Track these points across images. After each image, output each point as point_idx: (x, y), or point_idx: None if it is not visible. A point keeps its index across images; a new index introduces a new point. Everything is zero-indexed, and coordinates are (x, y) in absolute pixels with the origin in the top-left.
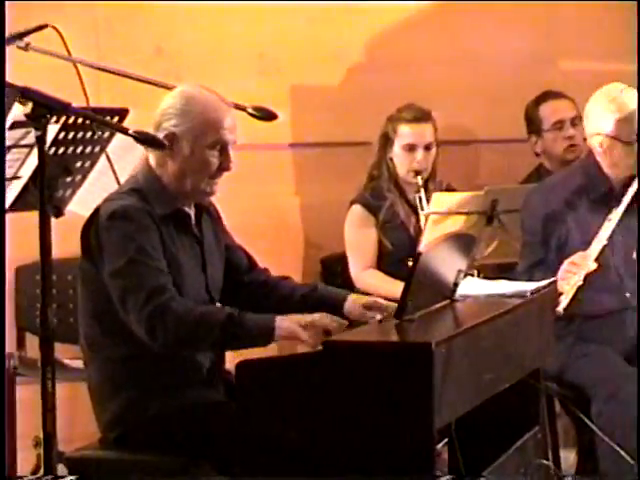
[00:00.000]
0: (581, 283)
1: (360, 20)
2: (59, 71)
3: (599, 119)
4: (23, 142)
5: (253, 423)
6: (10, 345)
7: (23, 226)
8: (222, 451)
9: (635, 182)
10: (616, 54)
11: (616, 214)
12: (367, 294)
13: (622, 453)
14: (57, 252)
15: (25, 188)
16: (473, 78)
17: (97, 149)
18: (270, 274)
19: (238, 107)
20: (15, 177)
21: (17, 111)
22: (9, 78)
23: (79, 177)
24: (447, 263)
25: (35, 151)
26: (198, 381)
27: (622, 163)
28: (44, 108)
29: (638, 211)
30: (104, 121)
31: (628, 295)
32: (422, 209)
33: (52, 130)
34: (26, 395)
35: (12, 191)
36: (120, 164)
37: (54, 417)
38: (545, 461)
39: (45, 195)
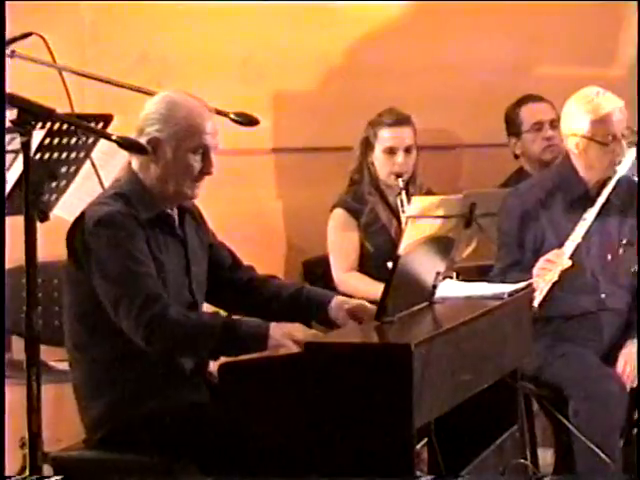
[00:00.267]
0: (556, 279)
1: (342, 27)
2: (44, 78)
3: (575, 120)
4: (9, 148)
5: (236, 424)
6: None
7: (9, 230)
8: (205, 451)
9: (610, 183)
10: (594, 60)
11: (591, 213)
12: (349, 296)
13: (598, 452)
14: (42, 256)
15: (11, 193)
16: (454, 84)
17: (82, 154)
18: (256, 272)
19: (221, 113)
20: None
21: None
22: None
23: (64, 182)
24: (426, 265)
25: (20, 157)
26: (182, 383)
27: (597, 164)
28: (29, 114)
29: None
30: (88, 127)
31: (603, 296)
32: (404, 212)
33: (37, 136)
34: (12, 397)
35: None
36: (104, 169)
37: (39, 418)
38: (523, 460)
39: (30, 200)
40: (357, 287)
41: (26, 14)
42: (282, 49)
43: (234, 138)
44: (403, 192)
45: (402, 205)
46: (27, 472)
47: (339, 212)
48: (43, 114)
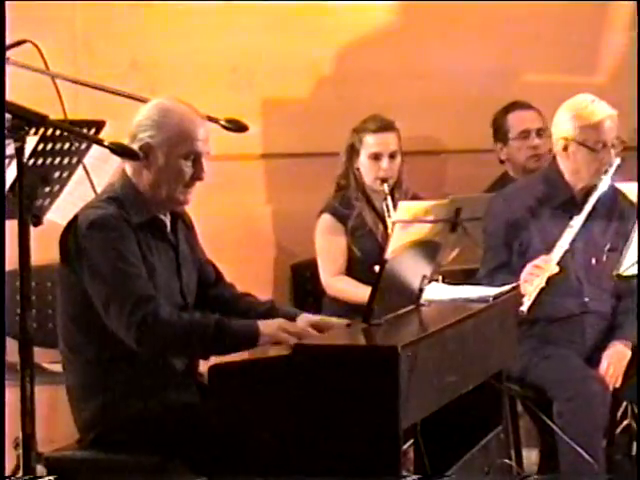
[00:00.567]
0: (544, 285)
1: (331, 35)
2: (38, 85)
3: (567, 124)
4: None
5: (225, 424)
6: None
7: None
8: (196, 451)
9: (597, 190)
10: (579, 67)
11: (578, 220)
12: (337, 300)
13: (582, 452)
14: (36, 259)
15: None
16: (441, 91)
17: (74, 160)
18: (235, 290)
19: (211, 119)
20: None
21: None
22: None
23: (57, 187)
24: (413, 269)
25: (14, 162)
26: (173, 383)
27: (584, 169)
28: (23, 120)
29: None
30: (81, 133)
31: (587, 300)
32: (389, 216)
33: (31, 142)
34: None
35: None
36: (97, 174)
37: (33, 419)
38: (508, 460)
39: (24, 204)
40: (345, 291)
41: (20, 22)
42: (271, 56)
43: (224, 144)
44: (389, 197)
45: (388, 210)
46: (21, 472)
47: (326, 217)
48: (36, 120)
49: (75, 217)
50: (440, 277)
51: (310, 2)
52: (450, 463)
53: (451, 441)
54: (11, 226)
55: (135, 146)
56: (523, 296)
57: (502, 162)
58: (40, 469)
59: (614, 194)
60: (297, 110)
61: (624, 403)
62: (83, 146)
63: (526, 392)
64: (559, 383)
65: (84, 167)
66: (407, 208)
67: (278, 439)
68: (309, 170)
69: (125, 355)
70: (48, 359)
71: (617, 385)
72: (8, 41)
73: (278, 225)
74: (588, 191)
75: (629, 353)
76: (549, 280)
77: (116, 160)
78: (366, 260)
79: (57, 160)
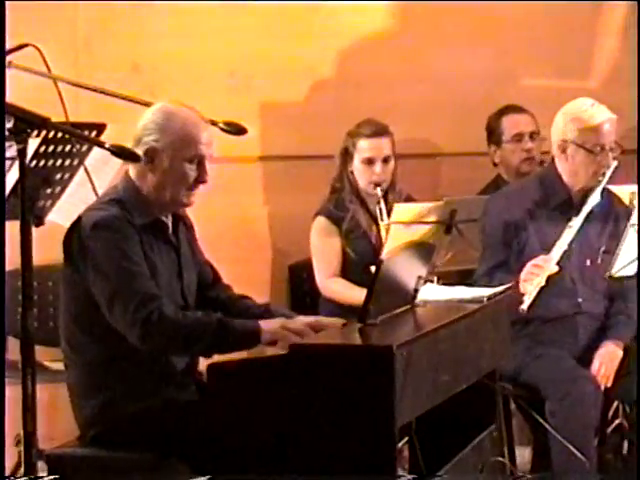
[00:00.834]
0: (544, 284)
1: (328, 39)
2: (40, 88)
3: (566, 126)
4: (5, 155)
5: (223, 422)
6: None
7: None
8: (194, 449)
9: (596, 192)
10: (573, 72)
11: (577, 221)
12: (333, 301)
13: (574, 450)
14: (38, 259)
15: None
16: (436, 95)
17: (76, 162)
18: (232, 292)
19: (210, 122)
20: None
21: None
22: None
23: (59, 188)
24: (408, 270)
25: (17, 164)
26: (172, 382)
27: (582, 171)
28: (25, 123)
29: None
30: (82, 135)
31: (580, 300)
32: (382, 219)
33: (33, 144)
34: (8, 396)
35: None
36: (97, 176)
37: (34, 416)
38: (501, 458)
39: (26, 205)
40: (339, 291)
41: (21, 24)
42: (269, 60)
43: (223, 146)
44: (382, 201)
45: (380, 213)
46: (22, 469)
47: (321, 220)
48: (38, 123)
49: (79, 218)
50: (435, 278)
51: (308, 6)
52: (444, 461)
53: (445, 439)
54: (13, 227)
55: (140, 150)
56: (523, 295)
57: (495, 165)
58: (41, 466)
59: (609, 197)
60: (295, 113)
61: (615, 402)
62: (84, 148)
63: (519, 391)
64: (552, 382)
65: (85, 169)
66: (403, 210)
67: (275, 437)
68: (307, 172)
69: (126, 354)
70: (49, 357)
71: (609, 385)
72: (10, 44)
73: (275, 226)
74: (585, 193)
75: (620, 353)
76: (548, 280)
77: (117, 162)
78: (360, 261)
79: (59, 162)
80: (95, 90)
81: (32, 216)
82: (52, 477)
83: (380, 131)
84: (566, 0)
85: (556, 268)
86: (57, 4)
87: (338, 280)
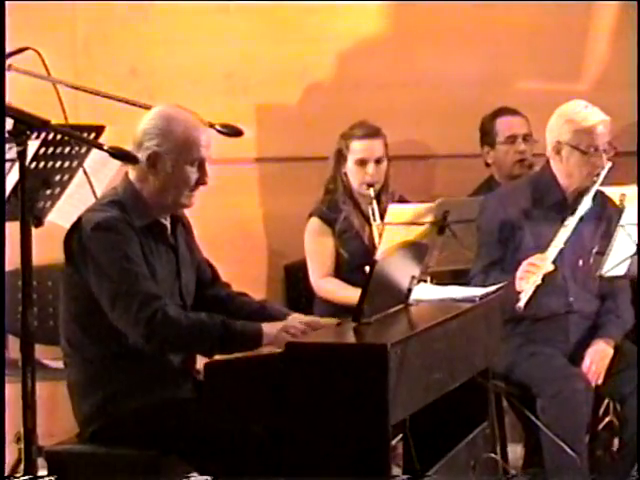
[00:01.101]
0: (540, 282)
1: (322, 43)
2: (39, 90)
3: (561, 128)
4: (5, 157)
5: (220, 420)
6: None
7: (5, 235)
8: (192, 446)
9: (590, 192)
10: (566, 75)
11: (572, 220)
12: (326, 300)
13: (565, 447)
14: (37, 259)
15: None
16: (429, 98)
17: (75, 164)
18: (230, 289)
19: (208, 124)
20: None
21: None
22: None
23: (58, 190)
24: (401, 270)
25: (16, 165)
26: (170, 380)
27: (577, 172)
28: (24, 125)
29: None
30: (81, 137)
31: (572, 299)
32: (375, 220)
33: (33, 146)
34: (8, 394)
35: None
36: (96, 177)
37: (34, 414)
38: (493, 455)
39: (26, 206)
40: (333, 292)
41: (21, 27)
42: (265, 63)
43: (219, 148)
44: (374, 201)
45: (373, 214)
46: (22, 465)
47: (314, 220)
48: (38, 125)
49: (79, 219)
50: (428, 278)
51: (304, 9)
52: (437, 457)
53: (439, 436)
54: (13, 227)
55: (142, 154)
56: (519, 293)
57: (488, 165)
58: (41, 462)
59: (602, 198)
60: (290, 115)
61: (606, 400)
62: (83, 150)
63: (511, 389)
64: (543, 380)
65: (84, 170)
66: (397, 211)
67: (270, 434)
68: (302, 174)
69: (124, 353)
70: (49, 356)
71: (599, 382)
72: (9, 46)
73: (271, 227)
74: (579, 193)
75: (611, 351)
76: (544, 278)
77: (115, 164)
78: (353, 262)
79: (58, 163)
80: (94, 93)
81: (32, 217)
82: (52, 477)
83: (372, 133)
84: (558, 1)
85: (552, 267)
86: (56, 8)
87: (332, 280)
